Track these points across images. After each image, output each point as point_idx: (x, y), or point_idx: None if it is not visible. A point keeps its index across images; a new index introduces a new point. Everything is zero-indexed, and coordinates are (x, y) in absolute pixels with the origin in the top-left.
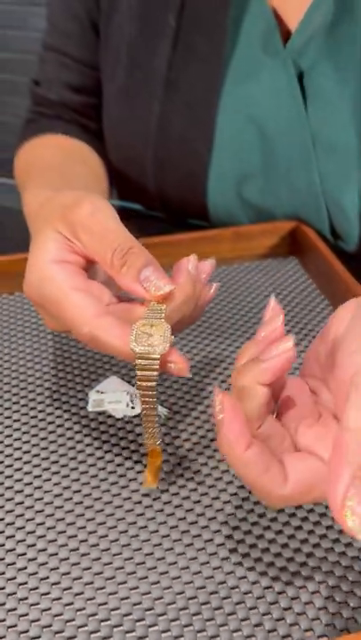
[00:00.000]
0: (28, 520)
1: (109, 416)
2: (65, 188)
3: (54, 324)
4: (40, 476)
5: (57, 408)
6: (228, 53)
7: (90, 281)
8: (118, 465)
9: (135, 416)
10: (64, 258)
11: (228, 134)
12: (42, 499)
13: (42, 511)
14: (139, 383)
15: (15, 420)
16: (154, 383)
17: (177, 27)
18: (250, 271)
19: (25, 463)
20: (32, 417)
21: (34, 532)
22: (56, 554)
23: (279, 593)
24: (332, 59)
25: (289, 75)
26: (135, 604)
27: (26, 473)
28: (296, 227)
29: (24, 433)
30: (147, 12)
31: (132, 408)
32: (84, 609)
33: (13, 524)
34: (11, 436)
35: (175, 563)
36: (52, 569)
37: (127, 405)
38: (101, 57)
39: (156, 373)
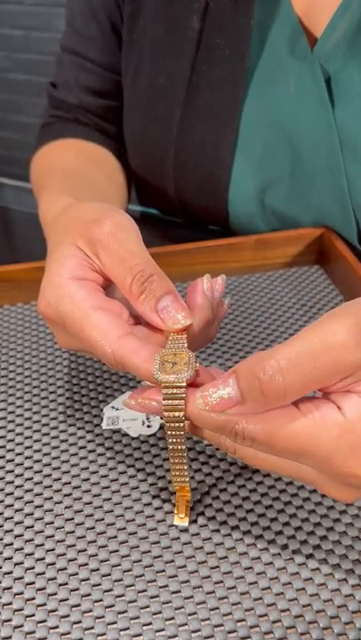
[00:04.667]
0: (37, 546)
1: (125, 434)
2: (81, 195)
3: (70, 343)
4: (51, 498)
5: (70, 425)
6: (253, 57)
7: (110, 299)
8: (133, 488)
9: (151, 435)
10: (84, 275)
11: (251, 139)
12: (52, 523)
13: (52, 536)
14: (166, 414)
15: (27, 437)
16: (182, 413)
17: (200, 29)
18: (273, 280)
19: (36, 484)
20: (44, 434)
21: (43, 558)
22: (64, 583)
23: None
24: (360, 61)
25: (317, 78)
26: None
27: (37, 494)
28: (322, 234)
29: (35, 451)
30: (171, 13)
31: (149, 427)
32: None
33: (22, 549)
34: (22, 454)
35: (184, 581)
36: (49, 594)
37: (143, 424)
38: (124, 62)
39: (183, 403)
